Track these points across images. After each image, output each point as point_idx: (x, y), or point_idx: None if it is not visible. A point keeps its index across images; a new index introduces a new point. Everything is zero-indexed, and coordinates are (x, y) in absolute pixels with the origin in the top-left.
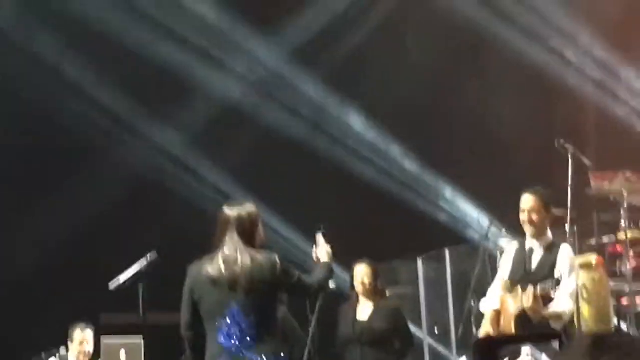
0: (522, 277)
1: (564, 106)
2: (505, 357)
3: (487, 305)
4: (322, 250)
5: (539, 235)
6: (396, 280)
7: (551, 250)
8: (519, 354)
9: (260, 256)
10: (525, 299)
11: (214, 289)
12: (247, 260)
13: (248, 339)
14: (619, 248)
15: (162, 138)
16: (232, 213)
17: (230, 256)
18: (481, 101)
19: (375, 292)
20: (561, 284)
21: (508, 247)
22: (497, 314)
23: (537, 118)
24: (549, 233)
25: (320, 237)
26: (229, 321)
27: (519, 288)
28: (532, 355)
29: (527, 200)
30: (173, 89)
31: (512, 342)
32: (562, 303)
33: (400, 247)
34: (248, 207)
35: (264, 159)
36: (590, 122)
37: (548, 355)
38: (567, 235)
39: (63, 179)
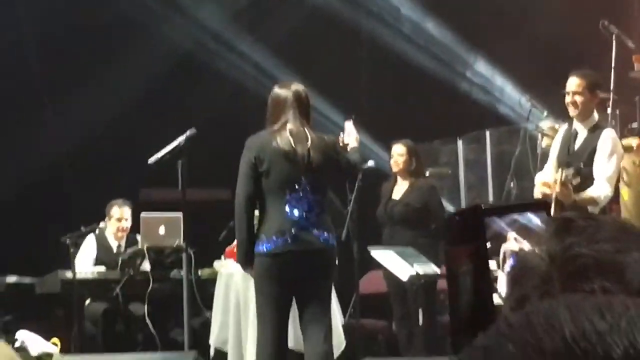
0: (565, 158)
1: None
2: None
3: (540, 176)
4: (351, 137)
5: (583, 117)
6: (436, 160)
7: (595, 132)
8: (503, 238)
9: (321, 135)
10: (554, 183)
11: (285, 161)
12: (315, 138)
13: (314, 214)
14: None
15: (203, 13)
16: (290, 91)
17: (299, 132)
18: None
19: (412, 172)
20: (599, 167)
21: (560, 129)
22: (548, 185)
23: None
24: (595, 116)
25: (349, 124)
26: (300, 194)
27: (559, 172)
28: (518, 241)
29: (572, 82)
30: None
31: (494, 213)
32: (598, 187)
33: (441, 127)
34: (301, 87)
35: (305, 36)
36: (636, 4)
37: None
38: (609, 119)
39: (105, 55)
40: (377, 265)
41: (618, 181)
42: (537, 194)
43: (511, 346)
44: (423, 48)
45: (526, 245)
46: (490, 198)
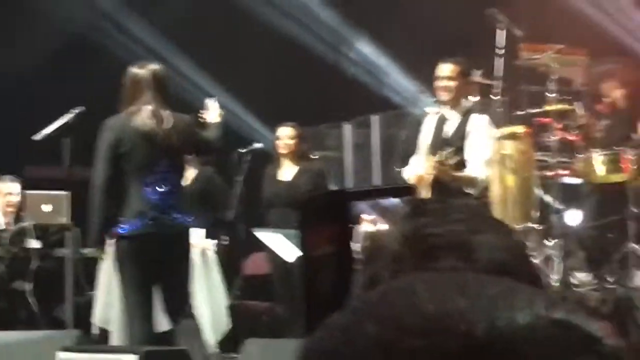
0: (439, 144)
1: None
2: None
3: (409, 171)
4: (213, 113)
5: (454, 103)
6: (323, 144)
7: (466, 117)
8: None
9: (179, 115)
10: (430, 164)
11: (146, 143)
12: (172, 118)
13: (173, 196)
14: (546, 120)
15: None
16: (148, 72)
17: (158, 113)
18: None
19: (299, 155)
20: (473, 150)
21: (428, 116)
22: (420, 179)
23: None
24: (467, 101)
25: (212, 101)
26: (160, 176)
27: (432, 157)
28: (372, 222)
29: (446, 69)
30: None
31: (359, 198)
32: (475, 169)
33: (328, 111)
34: (160, 67)
35: (197, 19)
36: None
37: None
38: (497, 106)
39: None
40: (262, 247)
41: (503, 166)
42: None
43: (370, 324)
44: (310, 30)
45: (383, 227)
46: (378, 182)
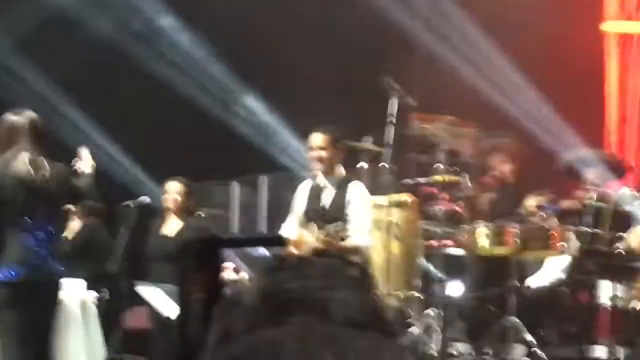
0: (316, 213)
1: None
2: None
3: (286, 232)
4: (85, 162)
5: (328, 172)
6: (210, 201)
7: (343, 187)
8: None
9: (55, 163)
10: (319, 238)
11: (23, 189)
12: (50, 166)
13: (49, 244)
14: (433, 190)
15: None
16: (26, 119)
17: (36, 160)
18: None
19: (185, 210)
20: (355, 219)
21: (302, 184)
22: (299, 244)
23: (364, 53)
24: (341, 170)
25: (85, 151)
26: (36, 224)
27: (314, 225)
28: (235, 270)
29: (316, 138)
30: None
31: (231, 245)
32: (359, 237)
33: (215, 168)
34: (35, 115)
35: (91, 71)
36: (417, 62)
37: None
38: (385, 173)
39: None
40: (143, 302)
41: (388, 233)
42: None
43: None
44: (201, 85)
45: (245, 275)
46: None
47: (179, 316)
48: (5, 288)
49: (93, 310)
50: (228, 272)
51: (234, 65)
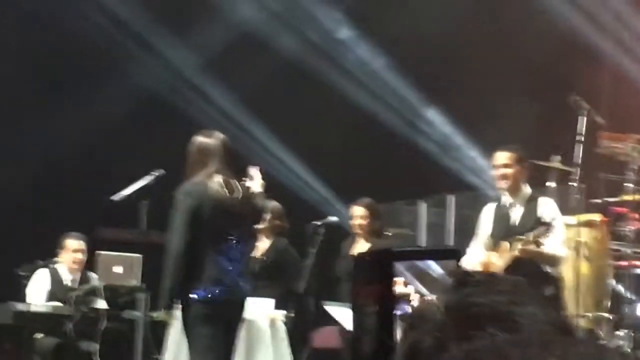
0: (505, 233)
1: (580, 61)
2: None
3: (470, 260)
4: (256, 182)
5: (514, 190)
6: (397, 221)
7: (532, 204)
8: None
9: (243, 185)
10: (515, 247)
11: (221, 211)
12: (241, 187)
13: (242, 265)
14: (623, 209)
15: (176, 57)
16: (217, 141)
17: (229, 182)
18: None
19: (371, 232)
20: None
21: (486, 207)
22: (487, 265)
23: (551, 71)
24: (527, 188)
25: (254, 170)
26: (231, 245)
27: (503, 244)
28: (404, 283)
29: (502, 156)
30: (192, 8)
31: (405, 257)
32: (555, 247)
33: (404, 188)
34: (224, 136)
35: (275, 87)
36: (606, 80)
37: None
38: (574, 192)
39: (75, 90)
40: (331, 321)
41: (577, 254)
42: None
43: None
44: (387, 104)
45: (417, 289)
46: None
47: (353, 328)
48: (202, 306)
49: (282, 328)
50: (398, 286)
51: (416, 80)
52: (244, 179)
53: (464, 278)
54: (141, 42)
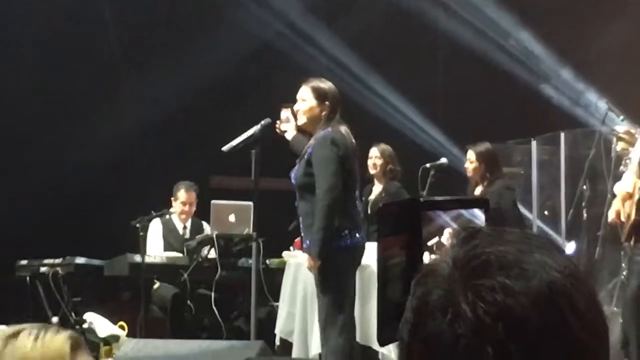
0: None
1: None
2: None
3: (621, 186)
4: (291, 125)
5: None
6: (509, 160)
7: None
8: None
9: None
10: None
11: (355, 160)
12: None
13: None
14: None
15: (280, 3)
16: (337, 90)
17: (349, 132)
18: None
19: (483, 177)
20: None
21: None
22: (629, 196)
23: None
24: None
25: (286, 112)
26: (358, 192)
27: None
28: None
29: None
30: None
31: (431, 207)
32: None
33: (516, 127)
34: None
35: (382, 30)
36: None
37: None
38: None
39: (182, 41)
40: None
41: None
42: (616, 202)
43: None
44: (502, 48)
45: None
46: (563, 200)
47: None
48: (349, 253)
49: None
50: (445, 237)
51: (527, 19)
52: (278, 121)
53: (471, 233)
54: None
